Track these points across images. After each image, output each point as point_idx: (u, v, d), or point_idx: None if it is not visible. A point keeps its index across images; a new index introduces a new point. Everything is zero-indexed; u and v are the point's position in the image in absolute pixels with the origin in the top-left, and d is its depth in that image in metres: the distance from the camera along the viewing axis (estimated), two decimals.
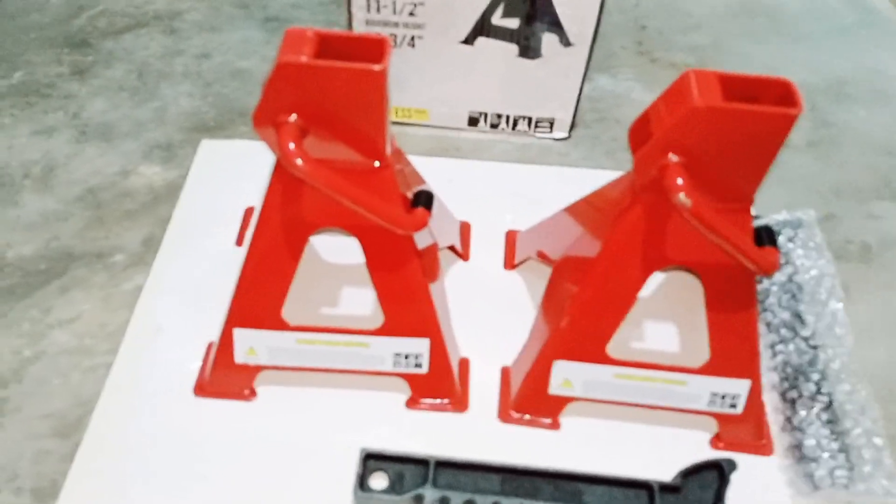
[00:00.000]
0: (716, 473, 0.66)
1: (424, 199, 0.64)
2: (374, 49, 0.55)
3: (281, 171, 0.62)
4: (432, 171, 0.79)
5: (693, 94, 0.54)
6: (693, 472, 0.66)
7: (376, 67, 0.54)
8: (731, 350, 0.66)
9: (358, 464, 0.66)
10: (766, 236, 0.63)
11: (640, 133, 0.59)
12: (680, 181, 0.55)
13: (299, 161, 0.56)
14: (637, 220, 0.62)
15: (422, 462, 0.66)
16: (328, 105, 0.56)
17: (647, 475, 0.66)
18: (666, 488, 0.66)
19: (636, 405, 0.70)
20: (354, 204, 0.59)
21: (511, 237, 0.88)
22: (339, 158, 0.60)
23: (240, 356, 0.69)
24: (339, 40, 0.56)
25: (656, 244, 0.62)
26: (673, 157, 0.56)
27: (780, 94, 0.55)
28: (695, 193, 0.55)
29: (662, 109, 0.57)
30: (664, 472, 0.66)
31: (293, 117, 0.57)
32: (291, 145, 0.56)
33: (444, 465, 0.66)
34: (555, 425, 0.72)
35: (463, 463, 0.66)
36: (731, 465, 0.66)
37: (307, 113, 0.57)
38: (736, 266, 0.61)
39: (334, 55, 0.55)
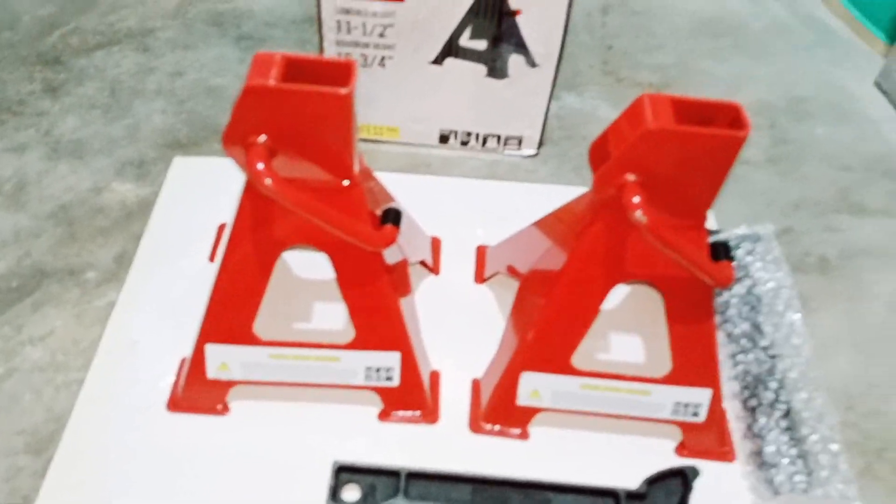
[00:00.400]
0: (680, 480, 0.68)
1: (393, 217, 0.66)
2: (341, 72, 0.57)
3: (251, 190, 0.63)
4: (404, 188, 0.80)
5: (647, 117, 0.56)
6: (658, 480, 0.68)
7: (342, 91, 0.55)
8: (692, 360, 0.69)
9: (330, 476, 0.67)
10: (721, 251, 0.65)
11: (600, 153, 0.62)
12: (636, 199, 0.58)
13: (268, 181, 0.57)
14: (598, 236, 0.64)
15: (393, 474, 0.67)
16: (296, 126, 0.58)
17: (615, 483, 0.68)
18: (632, 496, 0.67)
19: (603, 415, 0.72)
20: (323, 222, 0.60)
21: (481, 252, 0.90)
22: (308, 177, 0.61)
23: (212, 371, 0.70)
24: (306, 64, 0.58)
25: (617, 259, 0.64)
26: (630, 177, 0.59)
27: (731, 118, 0.57)
28: (651, 211, 0.58)
29: (619, 131, 0.59)
30: (631, 480, 0.68)
31: (262, 138, 0.58)
32: (260, 165, 0.57)
33: (415, 476, 0.68)
34: (524, 435, 0.74)
35: (434, 474, 0.68)
36: (695, 472, 0.68)
37: (276, 134, 0.58)
38: (693, 280, 0.64)
39: (302, 78, 0.56)
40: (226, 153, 0.60)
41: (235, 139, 0.59)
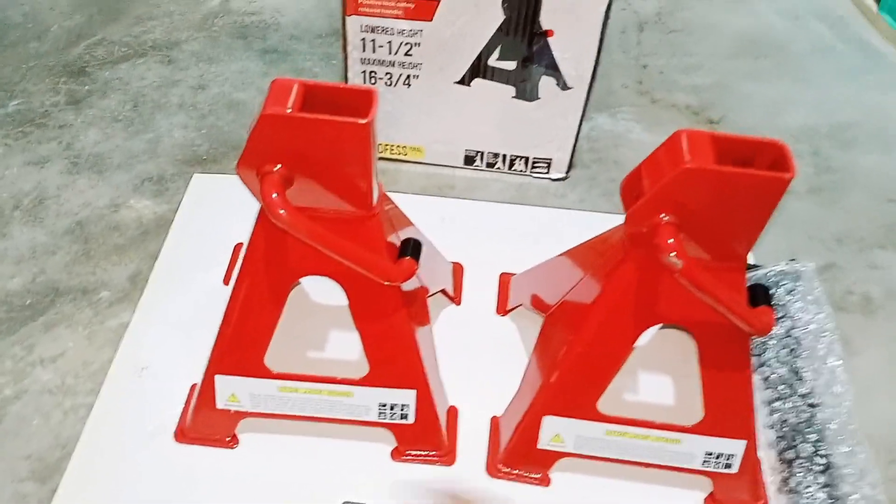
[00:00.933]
0: None
1: (412, 249, 0.63)
2: (362, 101, 0.54)
3: (265, 219, 0.60)
4: (426, 210, 0.78)
5: (685, 155, 0.53)
6: None
7: (362, 121, 0.53)
8: (726, 409, 0.65)
9: None
10: (761, 295, 0.61)
11: (633, 188, 0.58)
12: (671, 241, 0.54)
13: (282, 212, 0.54)
14: (630, 275, 0.60)
15: None
16: (313, 156, 0.55)
17: None
18: None
19: (629, 462, 0.68)
20: (339, 255, 0.58)
21: (504, 280, 0.86)
22: (324, 207, 0.58)
23: (221, 402, 0.67)
24: (325, 91, 0.55)
25: (649, 301, 0.61)
26: (665, 217, 0.55)
27: (775, 157, 0.53)
28: (685, 254, 0.54)
29: (654, 167, 0.56)
30: None
31: (278, 167, 0.56)
32: (274, 195, 0.54)
33: None
34: (544, 481, 0.70)
35: None
36: None
37: (292, 162, 0.56)
38: (729, 325, 0.60)
39: (321, 106, 0.54)
40: (241, 180, 0.58)
41: (250, 166, 0.56)
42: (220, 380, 0.66)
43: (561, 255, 0.76)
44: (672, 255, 0.54)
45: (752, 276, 0.79)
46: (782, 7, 1.31)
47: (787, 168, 0.52)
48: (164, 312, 0.80)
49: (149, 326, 0.78)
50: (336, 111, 0.54)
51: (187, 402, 0.72)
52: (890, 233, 0.95)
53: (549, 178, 0.99)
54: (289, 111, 0.53)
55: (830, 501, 0.65)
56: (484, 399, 0.75)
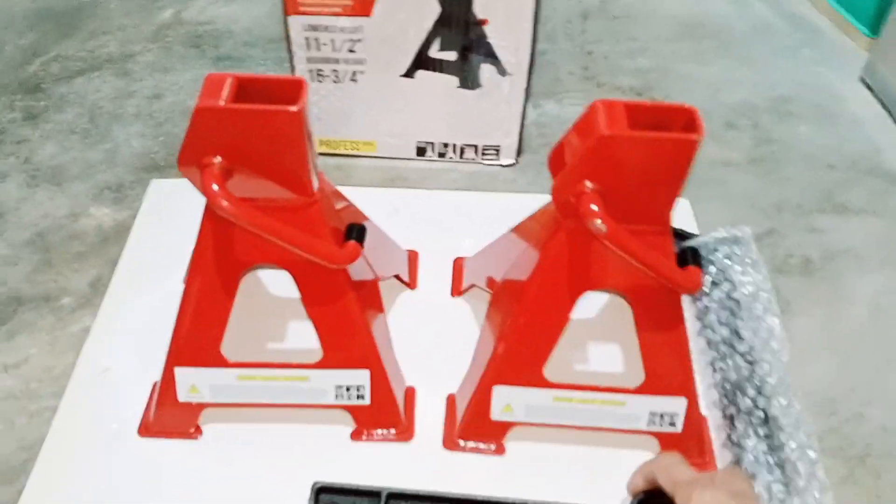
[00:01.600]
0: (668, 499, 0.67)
1: (356, 233, 0.65)
2: (292, 90, 0.57)
3: (211, 212, 0.63)
4: (380, 202, 0.80)
5: (601, 123, 0.56)
6: (648, 501, 0.67)
7: (293, 108, 0.55)
8: (665, 369, 0.68)
9: (310, 498, 0.66)
10: (689, 257, 0.64)
11: (558, 161, 0.61)
12: (594, 207, 0.57)
13: (224, 202, 0.57)
14: (562, 245, 0.63)
15: (374, 494, 0.66)
16: (250, 146, 0.57)
17: (594, 497, 0.66)
18: None
19: (579, 427, 0.71)
20: (283, 241, 0.60)
21: (458, 264, 0.89)
22: (266, 196, 0.61)
23: (182, 395, 0.69)
24: (257, 83, 0.57)
25: (582, 269, 0.64)
26: (588, 185, 0.58)
27: (686, 121, 0.56)
28: (610, 219, 0.57)
29: (575, 139, 0.59)
30: (611, 493, 0.67)
31: (217, 159, 0.58)
32: (215, 187, 0.57)
33: (395, 496, 0.66)
34: (500, 450, 0.72)
35: (414, 494, 0.67)
36: None
37: (230, 154, 0.58)
38: (660, 287, 0.63)
39: (253, 98, 0.56)
40: (184, 176, 0.60)
41: (191, 162, 0.59)
42: (179, 372, 0.68)
43: (507, 232, 0.78)
44: (597, 221, 0.57)
45: (692, 243, 0.82)
46: None
47: (696, 130, 0.55)
48: (125, 315, 0.81)
49: (110, 329, 0.80)
50: (269, 101, 0.56)
51: (150, 399, 0.73)
52: (827, 198, 0.99)
53: (500, 165, 1.02)
54: (222, 103, 0.55)
55: (770, 450, 0.68)
56: (440, 378, 0.77)
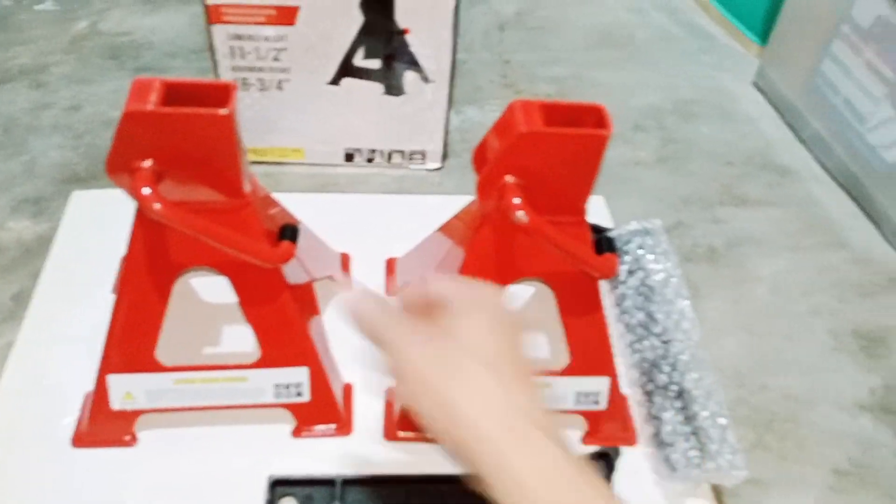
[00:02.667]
0: (603, 463, 0.71)
1: (290, 233, 0.67)
2: (221, 94, 0.58)
3: (142, 217, 0.63)
4: (310, 207, 0.81)
5: (519, 121, 0.60)
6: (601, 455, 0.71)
7: (222, 112, 0.57)
8: (588, 351, 0.72)
9: (266, 491, 0.67)
10: (605, 245, 0.69)
11: (481, 159, 0.65)
12: (516, 200, 0.61)
13: (156, 205, 0.58)
14: (487, 239, 0.67)
15: (328, 482, 0.68)
16: (180, 149, 0.58)
17: None
18: None
19: None
20: (217, 242, 0.61)
21: (391, 264, 0.92)
22: (198, 199, 0.62)
23: (116, 402, 0.69)
24: (186, 87, 0.59)
25: (507, 260, 0.68)
26: (509, 179, 0.62)
27: (597, 118, 0.61)
28: (531, 210, 0.61)
29: (495, 137, 0.63)
30: None
31: (148, 163, 0.59)
32: (146, 190, 0.57)
33: (350, 482, 0.68)
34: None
35: (369, 479, 0.69)
36: (617, 452, 0.71)
37: (161, 158, 0.59)
38: (580, 274, 0.67)
39: (182, 102, 0.58)
40: (112, 181, 0.60)
41: (120, 167, 0.59)
42: (112, 379, 0.68)
43: (434, 231, 0.82)
44: (520, 212, 0.61)
45: (608, 235, 0.88)
46: (627, 3, 1.44)
47: (605, 126, 0.60)
48: (51, 327, 0.80)
49: (37, 342, 0.78)
50: (198, 105, 0.57)
51: (83, 409, 0.72)
52: (727, 191, 1.08)
53: (426, 169, 1.06)
54: (151, 107, 0.56)
55: (685, 421, 0.73)
56: (378, 374, 0.79)
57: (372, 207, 0.99)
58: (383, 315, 0.51)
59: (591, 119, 0.62)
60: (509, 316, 0.50)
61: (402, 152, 1.04)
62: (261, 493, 0.67)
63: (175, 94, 0.58)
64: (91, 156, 1.00)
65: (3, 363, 0.76)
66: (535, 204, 0.62)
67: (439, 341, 0.48)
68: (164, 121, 0.57)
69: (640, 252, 0.88)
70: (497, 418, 0.43)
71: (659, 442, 0.74)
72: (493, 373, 0.46)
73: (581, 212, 0.66)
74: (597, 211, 0.98)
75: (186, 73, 1.15)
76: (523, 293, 0.85)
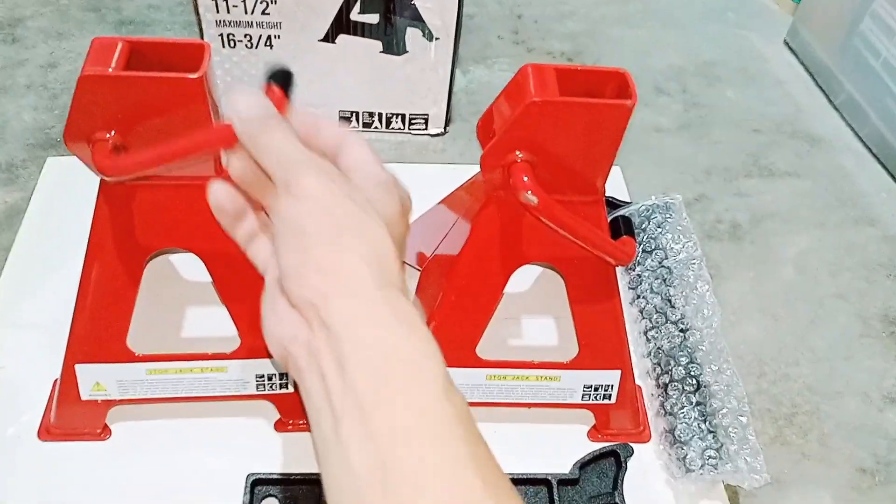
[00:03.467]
0: (612, 460, 0.67)
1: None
2: (193, 55, 0.51)
3: (107, 192, 0.57)
4: None
5: (530, 89, 0.52)
6: (590, 462, 0.66)
7: (192, 76, 0.50)
8: (599, 341, 0.66)
9: (244, 491, 0.62)
10: (622, 227, 0.62)
11: (487, 130, 0.57)
12: (525, 179, 0.54)
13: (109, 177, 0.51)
14: (492, 218, 0.60)
15: (311, 481, 0.63)
16: (146, 118, 0.52)
17: (532, 470, 0.65)
18: (564, 481, 0.65)
19: (513, 405, 0.69)
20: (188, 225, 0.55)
21: None
22: (170, 174, 0.55)
23: (85, 393, 0.64)
24: (153, 47, 0.52)
25: (514, 242, 0.61)
26: (518, 155, 0.55)
27: (618, 86, 0.54)
28: (541, 190, 0.54)
29: (504, 106, 0.55)
30: (551, 468, 0.66)
31: (110, 134, 0.52)
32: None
33: None
34: None
35: None
36: (627, 450, 0.66)
37: (125, 127, 0.52)
38: (593, 259, 0.61)
39: (149, 65, 0.51)
40: (72, 153, 0.54)
41: (79, 137, 0.52)
42: (80, 369, 0.62)
43: (436, 205, 0.75)
44: (528, 192, 0.54)
45: (624, 212, 0.81)
46: None
47: (629, 95, 0.53)
48: (19, 308, 0.74)
49: (4, 324, 0.73)
50: (166, 68, 0.51)
51: (50, 399, 0.67)
52: (754, 161, 1.00)
53: (428, 134, 0.98)
54: (111, 71, 0.49)
55: (702, 417, 0.68)
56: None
57: None
58: (287, 126, 0.41)
59: (612, 87, 0.54)
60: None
61: (401, 116, 0.96)
62: (240, 490, 0.62)
63: (142, 55, 0.51)
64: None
65: None
66: (546, 182, 0.55)
67: (350, 186, 0.41)
68: (127, 85, 0.50)
69: (659, 231, 0.81)
70: (372, 285, 0.38)
71: (673, 439, 0.68)
72: (395, 243, 0.40)
73: (597, 191, 0.59)
74: (612, 182, 0.91)
75: (171, 27, 1.07)
76: (529, 274, 0.79)
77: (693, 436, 0.67)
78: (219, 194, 0.44)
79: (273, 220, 0.42)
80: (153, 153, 0.50)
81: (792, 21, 1.18)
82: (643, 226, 0.81)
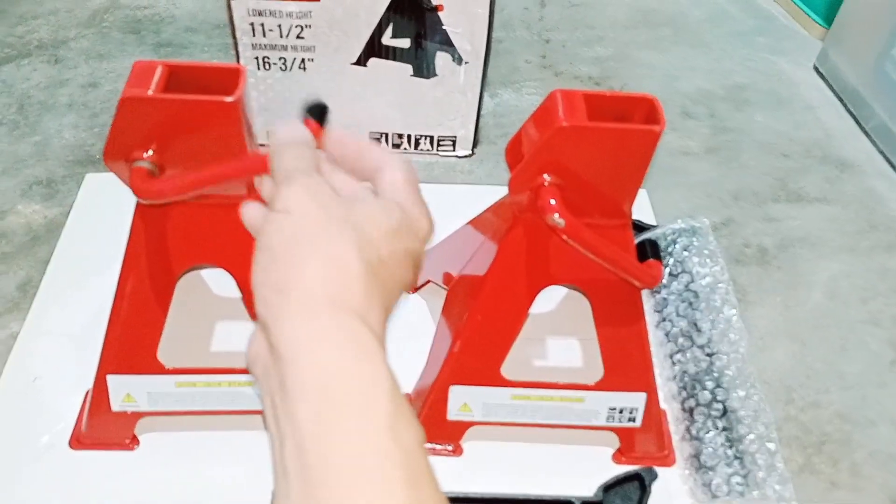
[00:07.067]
0: (637, 484, 0.66)
1: None
2: (229, 79, 0.53)
3: (143, 210, 0.59)
4: None
5: (559, 114, 0.53)
6: (614, 485, 0.66)
7: (228, 99, 0.51)
8: (624, 364, 0.66)
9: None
10: (649, 250, 0.62)
11: (515, 154, 0.58)
12: (553, 202, 0.55)
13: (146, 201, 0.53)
14: (519, 240, 0.61)
15: None
16: (183, 139, 0.53)
17: (555, 492, 0.65)
18: None
19: (537, 425, 0.69)
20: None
21: None
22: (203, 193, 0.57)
23: (116, 404, 0.65)
24: (191, 71, 0.53)
25: (540, 264, 0.61)
26: (546, 178, 0.56)
27: (647, 111, 0.54)
28: (568, 213, 0.55)
29: (532, 130, 0.56)
30: (571, 488, 0.65)
31: (149, 153, 0.54)
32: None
33: None
34: (457, 451, 0.70)
35: None
36: (652, 474, 0.65)
37: (163, 148, 0.54)
38: (619, 281, 0.61)
39: (186, 88, 0.52)
40: (112, 172, 0.55)
41: (118, 156, 0.54)
42: (112, 380, 0.64)
43: (463, 225, 0.76)
44: (555, 215, 0.55)
45: (650, 235, 0.81)
46: None
47: (658, 121, 0.53)
48: (57, 319, 0.76)
49: (40, 335, 0.75)
50: (203, 91, 0.52)
51: (82, 409, 0.69)
52: (782, 186, 0.99)
53: (456, 156, 0.99)
54: (150, 93, 0.51)
55: (728, 443, 0.67)
56: (397, 377, 0.74)
57: None
58: (300, 145, 0.43)
59: (640, 112, 0.55)
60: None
61: (430, 138, 0.97)
62: None
63: (179, 78, 0.53)
64: (106, 137, 0.96)
65: (6, 357, 0.73)
66: (574, 205, 0.56)
67: (339, 199, 0.40)
68: (166, 108, 0.52)
69: (685, 254, 0.80)
70: (325, 308, 0.36)
71: (698, 465, 0.68)
72: (366, 265, 0.38)
73: (625, 215, 0.59)
74: (639, 205, 0.91)
75: (207, 49, 1.10)
76: (554, 295, 0.79)
77: (719, 461, 0.66)
78: (252, 213, 0.46)
79: None
80: (189, 178, 0.52)
81: (822, 46, 1.17)
82: (669, 249, 0.81)
